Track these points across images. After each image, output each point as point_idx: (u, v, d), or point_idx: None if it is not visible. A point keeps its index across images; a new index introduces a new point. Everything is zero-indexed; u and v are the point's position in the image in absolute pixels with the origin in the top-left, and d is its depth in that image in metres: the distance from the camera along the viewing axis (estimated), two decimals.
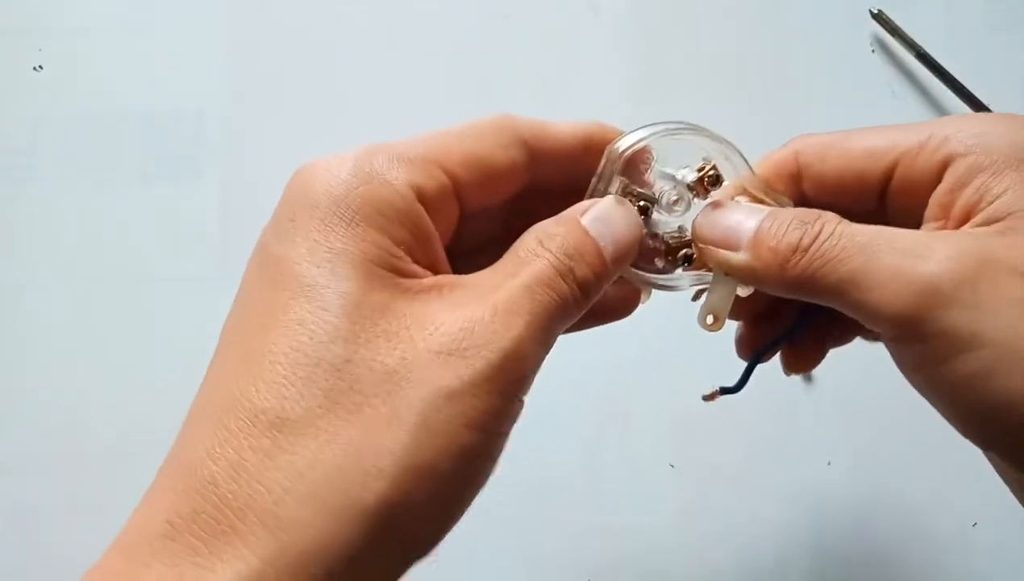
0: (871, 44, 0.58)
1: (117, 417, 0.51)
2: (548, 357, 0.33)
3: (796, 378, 0.53)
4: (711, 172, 0.30)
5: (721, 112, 0.57)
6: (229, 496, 0.21)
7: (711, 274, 0.30)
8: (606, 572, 0.50)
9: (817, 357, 0.35)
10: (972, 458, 0.54)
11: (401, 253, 0.24)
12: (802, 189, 0.30)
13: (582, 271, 0.25)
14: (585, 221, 0.26)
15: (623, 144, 0.29)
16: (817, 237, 0.26)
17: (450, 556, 0.51)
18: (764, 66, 0.58)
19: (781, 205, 0.30)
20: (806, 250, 0.26)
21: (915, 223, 0.28)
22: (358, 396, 0.21)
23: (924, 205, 0.28)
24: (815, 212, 0.27)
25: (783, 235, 0.27)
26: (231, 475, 0.21)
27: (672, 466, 0.51)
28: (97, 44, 0.56)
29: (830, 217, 0.26)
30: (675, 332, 0.52)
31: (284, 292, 0.23)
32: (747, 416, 0.52)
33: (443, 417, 0.22)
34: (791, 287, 0.27)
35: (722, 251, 0.28)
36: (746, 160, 0.31)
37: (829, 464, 0.52)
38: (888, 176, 0.28)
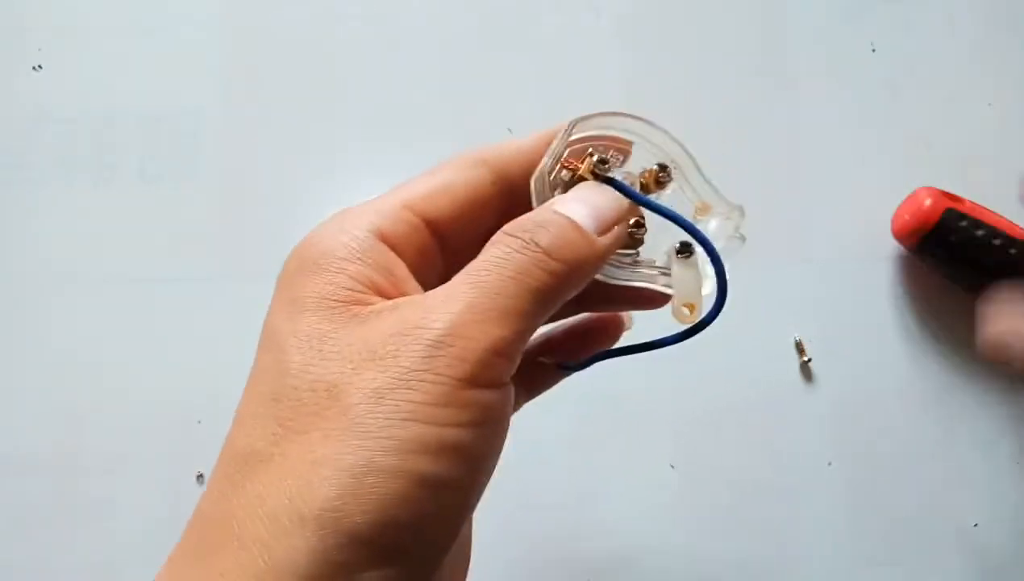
0: (871, 44, 0.58)
1: (116, 417, 0.51)
2: None
3: (797, 377, 0.53)
4: (661, 172, 0.29)
5: (721, 112, 0.57)
6: (211, 525, 0.23)
7: (655, 272, 0.29)
8: (606, 572, 0.50)
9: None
10: (972, 459, 0.54)
11: (360, 287, 0.25)
12: None
13: (547, 239, 0.24)
14: (556, 207, 0.26)
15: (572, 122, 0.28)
16: None
17: None
18: (764, 66, 0.58)
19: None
20: None
21: None
22: (305, 418, 0.23)
23: None
24: None
25: None
26: (213, 507, 0.23)
27: (672, 466, 0.51)
28: (97, 44, 0.56)
29: None
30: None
31: (262, 349, 0.25)
32: (747, 416, 0.52)
33: (375, 416, 0.22)
34: None
35: None
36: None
37: (829, 464, 0.52)
38: None
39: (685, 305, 0.28)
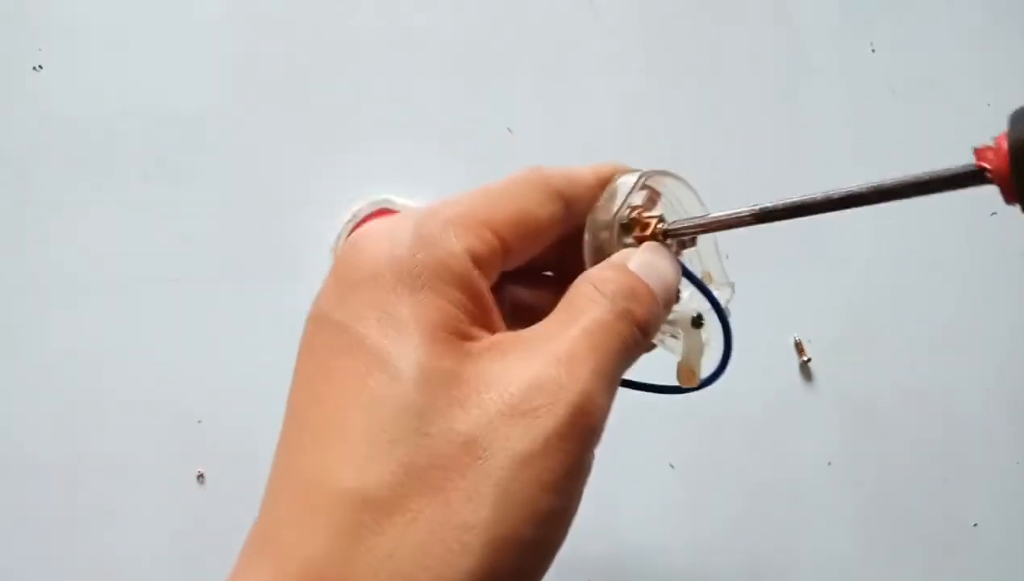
0: (871, 44, 0.58)
1: (117, 417, 0.51)
2: None
3: (797, 377, 0.53)
4: (690, 242, 0.31)
5: (720, 111, 0.57)
6: (319, 576, 0.20)
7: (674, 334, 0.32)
8: (606, 572, 0.50)
9: None
10: (972, 459, 0.54)
11: (462, 316, 0.24)
12: None
13: (640, 312, 0.25)
14: (633, 266, 0.26)
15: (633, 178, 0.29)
16: None
17: None
18: (764, 65, 0.58)
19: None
20: None
21: None
22: (438, 471, 0.21)
23: None
24: None
25: None
26: (323, 557, 0.21)
27: (672, 466, 0.51)
28: (97, 44, 0.56)
29: None
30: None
31: (357, 364, 0.23)
32: (747, 416, 0.52)
33: (520, 484, 0.21)
34: None
35: None
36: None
37: (829, 464, 0.52)
38: None
39: (688, 370, 0.32)
